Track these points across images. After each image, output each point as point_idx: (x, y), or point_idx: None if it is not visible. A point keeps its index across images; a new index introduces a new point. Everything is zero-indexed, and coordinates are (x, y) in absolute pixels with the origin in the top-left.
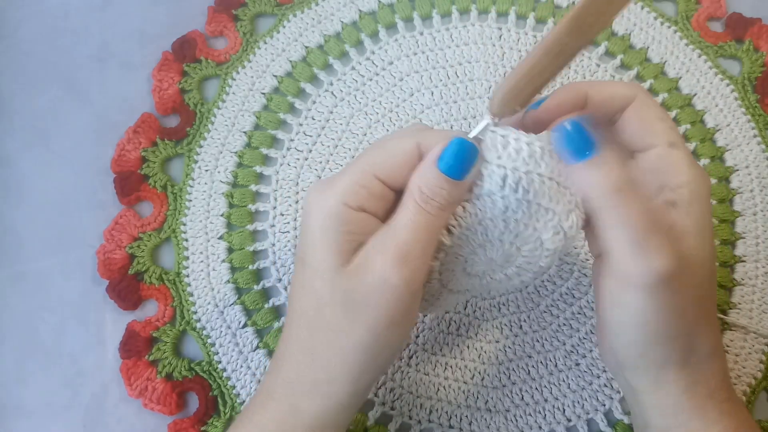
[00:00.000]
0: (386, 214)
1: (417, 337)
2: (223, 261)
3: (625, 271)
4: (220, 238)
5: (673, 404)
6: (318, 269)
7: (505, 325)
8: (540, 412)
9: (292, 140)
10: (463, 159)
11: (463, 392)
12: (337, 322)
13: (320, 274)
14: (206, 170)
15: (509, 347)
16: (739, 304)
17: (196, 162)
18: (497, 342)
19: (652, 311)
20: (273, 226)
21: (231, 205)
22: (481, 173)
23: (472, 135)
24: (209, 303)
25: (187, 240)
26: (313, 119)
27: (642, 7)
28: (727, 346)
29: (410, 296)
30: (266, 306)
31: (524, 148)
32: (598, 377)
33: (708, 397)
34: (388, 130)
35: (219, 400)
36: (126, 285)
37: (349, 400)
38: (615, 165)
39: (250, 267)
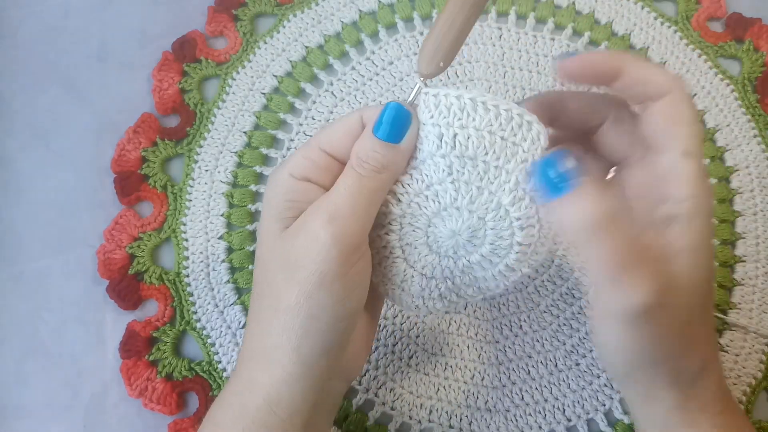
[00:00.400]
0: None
1: (417, 337)
2: (223, 261)
3: (604, 305)
4: (220, 238)
5: (663, 419)
6: (262, 237)
7: (505, 325)
8: (540, 412)
9: (292, 140)
10: (395, 122)
11: (463, 392)
12: (277, 286)
13: (263, 241)
14: (206, 170)
15: (509, 347)
16: (739, 304)
17: (196, 162)
18: (497, 342)
19: (633, 341)
20: None
21: (231, 205)
22: (420, 136)
23: (409, 101)
24: (209, 303)
25: (187, 240)
26: (314, 119)
27: (642, 7)
28: (727, 346)
29: (340, 255)
30: None
31: (454, 102)
32: (598, 377)
33: (700, 411)
34: None
35: None
36: (126, 285)
37: (297, 370)
38: (591, 200)
39: (250, 267)
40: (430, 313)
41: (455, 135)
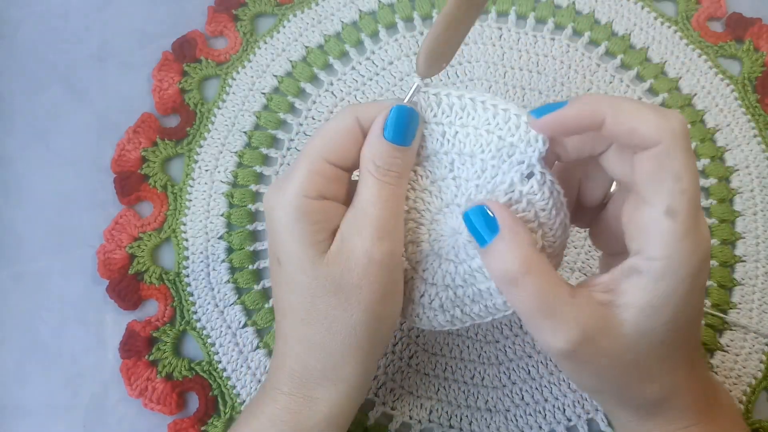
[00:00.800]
0: (346, 196)
1: (417, 337)
2: (223, 261)
3: (537, 342)
4: (220, 238)
5: (624, 430)
6: (297, 265)
7: (505, 325)
8: (540, 412)
9: (292, 140)
10: (405, 124)
11: (463, 392)
12: (332, 310)
13: (301, 268)
14: (206, 170)
15: (509, 347)
16: (739, 304)
17: (196, 162)
18: (497, 342)
19: (568, 373)
20: None
21: (231, 205)
22: (423, 134)
23: (406, 100)
24: (209, 303)
25: (187, 240)
26: (314, 119)
27: (642, 7)
28: (727, 346)
29: (394, 268)
30: (266, 306)
31: (455, 101)
32: None
33: (661, 426)
34: None
35: (219, 400)
36: (126, 285)
37: (359, 381)
38: (507, 253)
39: (250, 267)
40: (433, 327)
41: (456, 133)
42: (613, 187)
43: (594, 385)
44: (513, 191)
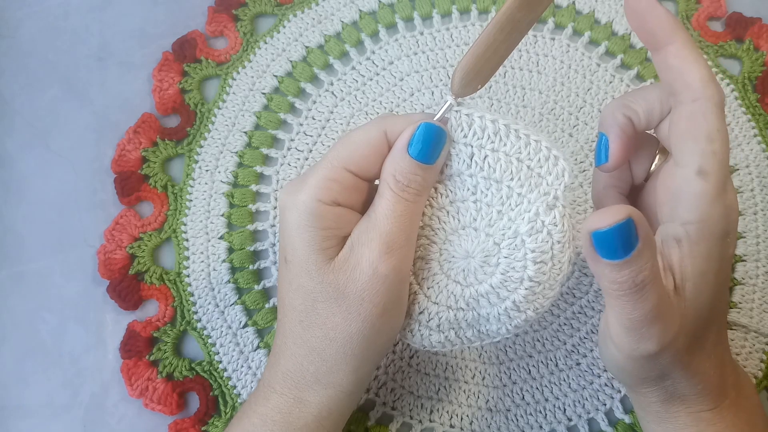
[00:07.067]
0: (363, 205)
1: None
2: (224, 261)
3: (617, 343)
4: (221, 238)
5: (655, 411)
6: (303, 267)
7: None
8: (541, 412)
9: (292, 140)
10: (432, 143)
11: (464, 392)
12: (331, 317)
13: (306, 271)
14: (207, 170)
15: (510, 347)
16: (740, 303)
17: (196, 162)
18: (497, 342)
19: (633, 368)
20: (273, 226)
21: (231, 205)
22: (449, 153)
23: (437, 117)
24: (210, 303)
25: (187, 240)
26: (314, 119)
27: None
28: None
29: (399, 284)
30: (267, 306)
31: (489, 125)
32: (599, 376)
33: (681, 403)
34: None
35: (220, 400)
36: (126, 285)
37: (352, 388)
38: (647, 263)
39: (251, 267)
40: (423, 346)
41: (486, 157)
42: (655, 162)
43: (639, 374)
44: (536, 221)
